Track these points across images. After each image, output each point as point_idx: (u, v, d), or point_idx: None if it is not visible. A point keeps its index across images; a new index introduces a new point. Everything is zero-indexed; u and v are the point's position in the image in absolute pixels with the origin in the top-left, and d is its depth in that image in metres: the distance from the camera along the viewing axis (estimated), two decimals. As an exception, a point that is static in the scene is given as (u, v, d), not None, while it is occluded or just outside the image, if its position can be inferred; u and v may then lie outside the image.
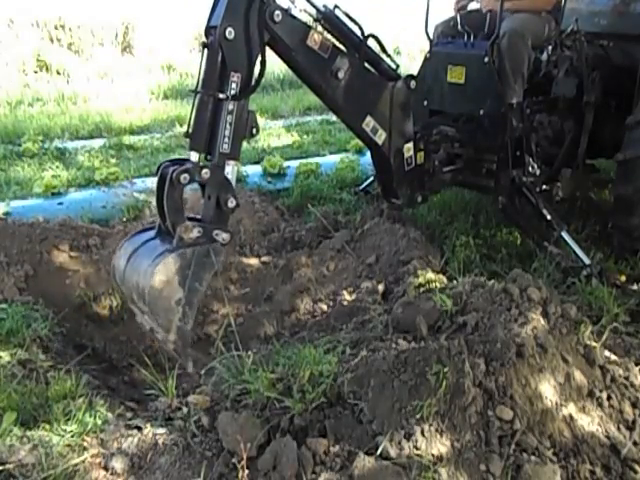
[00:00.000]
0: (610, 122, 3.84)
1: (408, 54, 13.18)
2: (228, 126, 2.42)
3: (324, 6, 2.83)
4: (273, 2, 2.47)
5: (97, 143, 6.43)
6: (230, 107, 2.41)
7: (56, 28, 11.14)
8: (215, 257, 2.42)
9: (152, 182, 4.86)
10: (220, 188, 2.46)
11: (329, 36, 2.86)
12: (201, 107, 2.41)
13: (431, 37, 3.85)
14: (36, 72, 9.70)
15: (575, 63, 3.69)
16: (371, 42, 3.03)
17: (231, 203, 2.49)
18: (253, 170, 5.22)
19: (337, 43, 2.84)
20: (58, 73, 9.76)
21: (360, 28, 2.95)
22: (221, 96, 2.40)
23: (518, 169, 3.66)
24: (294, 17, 2.57)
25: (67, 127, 6.93)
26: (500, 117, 3.52)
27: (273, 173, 5.16)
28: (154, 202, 4.38)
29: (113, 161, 5.75)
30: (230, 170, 2.48)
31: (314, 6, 2.81)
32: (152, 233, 2.52)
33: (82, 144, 6.38)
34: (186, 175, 2.34)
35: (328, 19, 2.85)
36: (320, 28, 2.86)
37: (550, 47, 3.66)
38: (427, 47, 3.86)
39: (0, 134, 6.48)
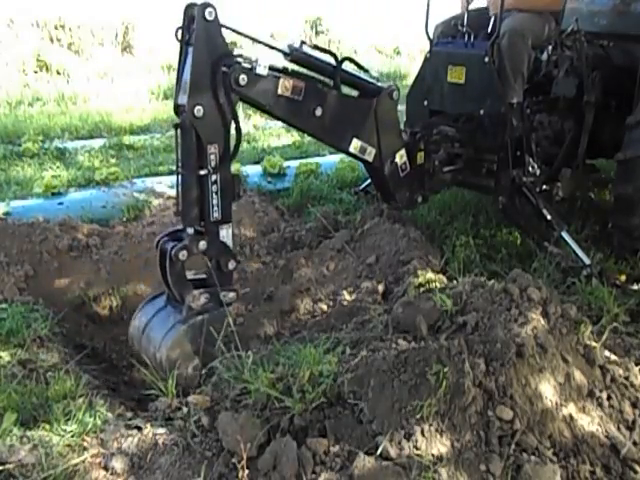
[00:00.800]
0: (610, 122, 3.84)
1: (408, 54, 13.19)
2: (215, 196, 2.46)
3: (289, 46, 2.78)
4: (237, 67, 2.41)
5: (97, 143, 6.43)
6: (214, 178, 2.44)
7: (56, 28, 11.15)
8: (225, 320, 2.46)
9: (152, 182, 4.88)
10: (219, 253, 2.53)
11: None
12: (185, 186, 2.45)
13: (431, 37, 3.85)
14: (36, 72, 9.71)
15: (575, 63, 3.69)
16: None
17: (231, 265, 2.57)
18: (253, 170, 5.22)
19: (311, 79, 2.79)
20: (58, 73, 9.77)
21: (332, 54, 2.93)
22: (202, 173, 2.42)
23: (518, 169, 3.66)
24: (260, 75, 2.50)
25: (67, 127, 6.93)
26: (500, 117, 3.52)
27: (273, 173, 5.16)
28: (154, 202, 4.43)
29: (113, 161, 5.75)
30: (225, 233, 2.54)
31: (281, 51, 2.77)
32: (162, 301, 2.60)
33: (82, 144, 6.38)
34: (184, 252, 2.42)
35: (297, 60, 2.83)
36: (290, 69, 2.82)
37: (550, 47, 3.66)
38: (427, 47, 3.86)
39: (0, 134, 6.48)
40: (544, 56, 3.66)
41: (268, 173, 5.17)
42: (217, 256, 2.53)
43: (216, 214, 2.48)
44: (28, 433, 2.00)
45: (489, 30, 3.62)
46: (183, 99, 2.36)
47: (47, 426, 2.06)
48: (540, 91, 3.77)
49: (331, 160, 5.55)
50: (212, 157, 2.41)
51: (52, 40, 10.99)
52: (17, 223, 3.54)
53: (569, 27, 3.74)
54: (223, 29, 2.40)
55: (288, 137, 7.00)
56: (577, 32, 3.71)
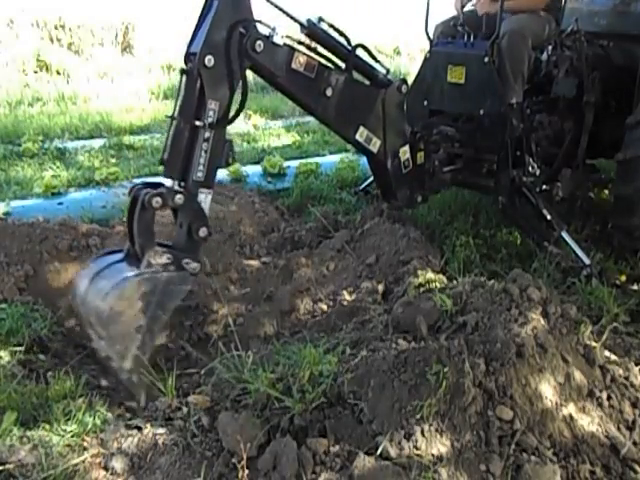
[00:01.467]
0: (610, 122, 3.84)
1: (408, 54, 13.18)
2: (203, 154, 2.39)
3: (308, 20, 2.78)
4: (254, 32, 2.41)
5: (97, 143, 6.43)
6: (207, 135, 2.38)
7: (56, 28, 11.13)
8: (182, 286, 2.36)
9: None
10: (193, 216, 2.42)
11: (313, 53, 2.81)
12: (177, 134, 2.39)
13: (431, 37, 3.85)
14: (36, 72, 9.69)
15: (575, 63, 3.69)
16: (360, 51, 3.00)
17: (203, 232, 2.43)
18: (253, 170, 5.22)
19: (322, 60, 2.79)
20: (58, 73, 9.76)
21: (346, 38, 2.92)
22: (198, 123, 2.37)
23: (518, 169, 3.66)
24: (276, 44, 2.50)
25: (67, 127, 6.92)
26: (500, 117, 3.52)
27: (273, 173, 5.16)
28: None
29: (113, 161, 5.75)
30: (203, 198, 2.44)
31: (298, 22, 2.76)
32: (120, 256, 2.44)
33: (82, 144, 6.37)
34: (159, 199, 2.30)
35: (313, 34, 2.82)
36: (306, 43, 2.80)
37: (550, 47, 3.67)
38: (427, 47, 3.86)
39: (0, 134, 6.47)
40: (544, 56, 3.66)
41: (268, 173, 5.17)
42: (190, 218, 2.41)
43: (200, 174, 2.40)
44: (28, 433, 2.00)
45: (483, 30, 3.62)
46: (197, 47, 2.34)
47: (47, 426, 2.06)
48: (540, 91, 3.77)
49: (331, 160, 5.55)
50: (211, 113, 2.36)
51: (52, 40, 10.97)
52: (17, 223, 3.53)
53: (569, 27, 3.74)
54: None
55: (288, 137, 7.00)
56: (577, 32, 3.72)
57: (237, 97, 2.49)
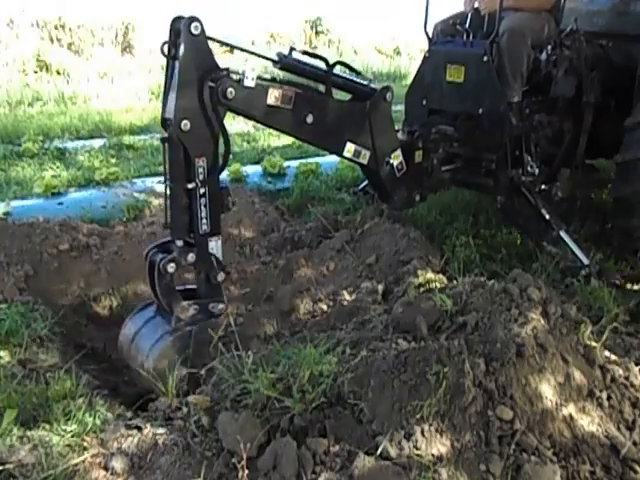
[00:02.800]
0: (609, 122, 3.84)
1: (408, 54, 13.20)
2: (204, 208, 2.46)
3: (278, 54, 2.77)
4: (223, 81, 2.39)
5: (97, 143, 6.44)
6: (202, 191, 2.43)
7: (56, 28, 11.15)
8: (213, 331, 2.46)
9: (152, 182, 4.88)
10: (208, 266, 2.52)
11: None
12: (174, 198, 2.44)
13: (430, 36, 3.85)
14: (36, 72, 9.71)
15: (574, 63, 3.69)
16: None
17: (220, 277, 2.55)
18: (253, 170, 5.22)
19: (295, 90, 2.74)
20: (58, 73, 9.77)
21: (323, 59, 2.91)
22: (190, 186, 2.41)
23: (517, 169, 3.66)
24: (248, 87, 2.48)
25: (67, 127, 6.93)
26: (499, 116, 3.52)
27: (273, 173, 5.16)
28: (154, 202, 4.43)
29: (113, 161, 5.75)
30: (214, 245, 2.53)
31: (270, 60, 2.75)
32: (152, 311, 2.60)
33: (82, 144, 6.38)
34: (173, 264, 2.42)
35: (287, 67, 2.81)
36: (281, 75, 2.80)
37: (549, 47, 3.66)
38: (426, 46, 3.86)
39: (0, 134, 6.48)
40: (543, 56, 3.66)
41: (268, 173, 5.17)
42: (206, 269, 2.52)
43: (205, 227, 2.48)
44: (28, 433, 2.00)
45: (484, 29, 3.62)
46: (170, 113, 2.35)
47: (47, 426, 2.06)
48: (539, 91, 3.76)
49: (331, 160, 5.54)
50: (200, 170, 2.41)
51: (52, 40, 10.99)
52: (17, 223, 3.54)
53: (568, 27, 3.74)
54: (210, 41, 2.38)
55: (288, 137, 6.99)
56: (576, 32, 3.72)
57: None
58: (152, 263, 2.47)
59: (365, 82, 3.11)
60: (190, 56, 2.33)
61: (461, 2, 3.96)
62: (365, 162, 3.08)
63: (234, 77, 2.45)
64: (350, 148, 2.99)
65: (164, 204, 2.51)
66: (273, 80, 2.63)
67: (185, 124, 2.33)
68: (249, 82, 2.47)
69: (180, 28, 2.30)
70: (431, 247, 3.59)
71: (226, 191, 2.57)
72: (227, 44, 2.60)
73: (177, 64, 2.35)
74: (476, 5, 3.85)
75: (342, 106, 2.98)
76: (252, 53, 2.71)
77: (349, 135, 2.97)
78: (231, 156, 2.70)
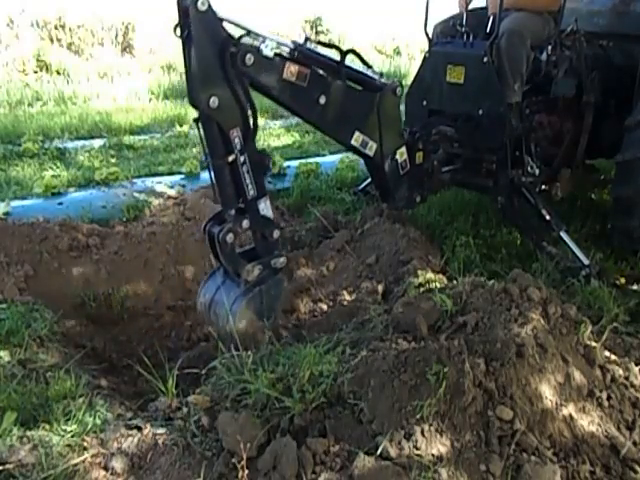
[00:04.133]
0: (609, 122, 3.84)
1: (408, 54, 13.20)
2: (247, 175, 2.53)
3: (293, 42, 2.76)
4: (243, 46, 2.41)
5: (97, 143, 6.44)
6: (242, 159, 2.48)
7: (56, 28, 11.14)
8: (280, 286, 2.70)
9: (152, 182, 4.89)
10: (262, 226, 2.63)
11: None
12: (218, 173, 2.51)
13: (430, 37, 3.85)
14: (36, 72, 9.70)
15: (574, 63, 3.69)
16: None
17: (276, 234, 2.68)
18: (253, 170, 5.21)
19: (311, 69, 2.76)
20: (58, 73, 9.76)
21: (336, 47, 2.92)
22: (231, 159, 2.46)
23: (517, 169, 3.66)
24: (266, 56, 2.50)
25: (67, 127, 6.93)
26: (499, 117, 3.52)
27: (273, 173, 5.16)
28: (154, 202, 4.43)
29: (113, 161, 5.76)
30: (263, 206, 2.63)
31: (284, 45, 2.76)
32: (220, 277, 2.70)
33: (82, 144, 6.38)
34: (231, 235, 2.52)
35: (301, 54, 2.79)
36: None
37: (549, 47, 3.66)
38: (426, 47, 3.86)
39: (0, 134, 6.48)
40: (543, 56, 3.66)
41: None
42: (262, 229, 2.63)
43: (252, 192, 2.55)
44: (28, 433, 2.00)
45: (488, 30, 3.61)
46: (197, 93, 2.36)
47: (47, 426, 2.06)
48: (539, 91, 3.77)
49: (331, 160, 5.55)
50: (236, 141, 2.45)
51: (52, 40, 10.98)
52: (17, 223, 3.54)
53: (568, 27, 3.74)
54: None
55: (288, 137, 7.01)
56: (576, 32, 3.72)
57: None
58: (211, 236, 2.57)
59: (375, 76, 3.12)
60: (203, 33, 2.32)
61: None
62: (371, 154, 3.09)
63: (253, 44, 2.47)
64: (358, 137, 3.01)
65: (210, 180, 2.54)
66: (291, 54, 2.65)
67: (213, 101, 2.34)
68: (267, 51, 2.49)
69: (187, 6, 2.28)
70: (431, 247, 3.59)
71: (265, 153, 2.65)
72: (241, 26, 2.58)
73: (192, 44, 2.33)
74: (472, 6, 3.86)
75: (354, 93, 3.00)
76: (268, 38, 2.69)
77: (358, 124, 2.99)
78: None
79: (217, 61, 2.35)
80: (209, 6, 2.30)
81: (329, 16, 14.87)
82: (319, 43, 2.92)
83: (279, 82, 2.59)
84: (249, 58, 2.42)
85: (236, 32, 2.50)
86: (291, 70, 2.61)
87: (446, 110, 3.79)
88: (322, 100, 2.76)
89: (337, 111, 2.85)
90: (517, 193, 3.67)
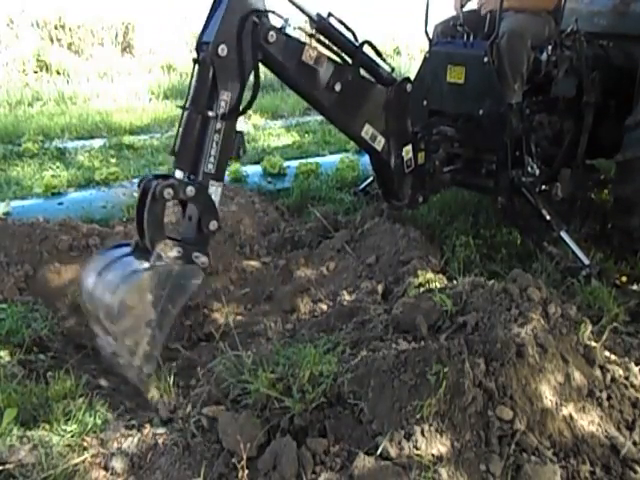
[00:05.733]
0: (610, 122, 3.84)
1: (408, 54, 13.19)
2: (215, 145, 2.36)
3: (318, 15, 2.78)
4: (267, 23, 2.42)
5: (97, 143, 6.43)
6: (218, 126, 2.36)
7: (56, 28, 11.13)
8: (193, 280, 2.33)
9: (152, 182, 4.88)
10: (203, 209, 2.39)
11: (322, 48, 2.82)
12: (188, 124, 2.35)
13: (430, 37, 3.85)
14: (36, 72, 9.69)
15: (575, 63, 3.69)
16: (366, 48, 3.01)
17: (213, 226, 2.40)
18: (253, 170, 5.22)
19: (331, 54, 2.80)
20: (58, 73, 9.75)
21: (354, 34, 2.93)
22: (210, 114, 2.34)
23: (517, 169, 3.66)
24: (288, 36, 2.52)
25: (67, 127, 6.92)
26: (499, 117, 3.52)
27: (273, 173, 5.16)
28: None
29: (113, 161, 5.75)
30: (214, 191, 2.41)
31: (309, 16, 2.76)
32: (128, 249, 2.38)
33: (82, 144, 6.37)
34: (170, 190, 2.25)
35: (323, 29, 2.82)
36: (316, 36, 2.81)
37: (550, 47, 3.66)
38: (427, 47, 3.86)
39: (0, 134, 6.47)
40: (543, 56, 3.66)
41: (268, 173, 5.17)
42: (201, 211, 2.37)
43: (210, 165, 2.36)
44: (28, 433, 2.00)
45: (485, 30, 3.61)
46: (210, 36, 2.33)
47: (47, 426, 2.06)
48: (540, 91, 3.76)
49: (331, 160, 5.55)
50: (222, 104, 2.36)
51: (52, 40, 10.97)
52: (17, 223, 3.53)
53: (569, 27, 3.74)
54: None
55: (288, 137, 7.00)
56: (577, 32, 3.72)
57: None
58: (145, 189, 2.28)
59: (388, 70, 3.12)
60: None
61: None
62: (379, 149, 3.09)
63: (277, 23, 2.47)
64: (368, 130, 3.00)
65: (176, 130, 2.39)
66: (311, 36, 2.67)
67: (222, 49, 2.31)
68: (290, 31, 2.50)
69: None
70: (431, 247, 3.59)
71: (240, 136, 2.49)
72: None
73: None
74: (468, 7, 3.86)
75: (367, 85, 3.00)
76: (295, 5, 2.70)
77: (369, 116, 2.98)
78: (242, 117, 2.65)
79: (241, 21, 2.35)
80: None
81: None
82: (341, 22, 2.90)
83: (297, 63, 2.60)
84: (271, 36, 2.43)
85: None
86: (310, 53, 2.62)
87: (446, 110, 3.79)
88: (337, 87, 2.76)
89: (350, 100, 2.85)
90: (517, 193, 3.67)
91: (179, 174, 2.36)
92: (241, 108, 2.45)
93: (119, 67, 10.31)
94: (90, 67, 10.14)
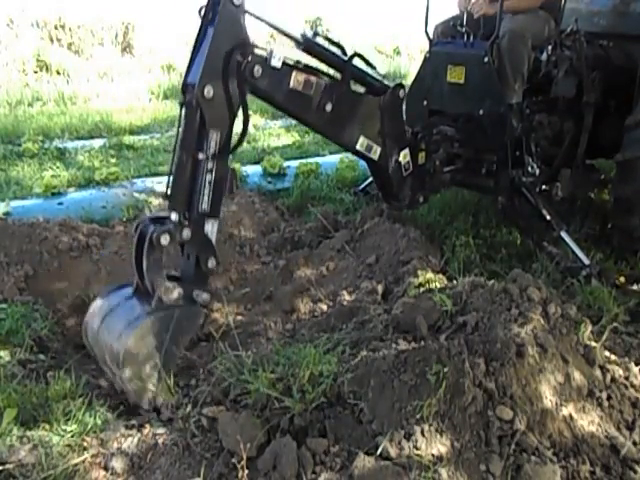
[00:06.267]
0: (610, 122, 3.84)
1: (408, 54, 13.19)
2: (207, 185, 2.36)
3: (302, 35, 2.75)
4: (252, 57, 2.38)
5: (97, 143, 6.43)
6: (209, 166, 2.35)
7: (56, 28, 11.14)
8: (195, 320, 2.38)
9: (152, 182, 4.88)
10: (200, 248, 2.40)
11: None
12: (179, 167, 2.34)
13: (431, 37, 3.85)
14: (36, 72, 9.69)
15: (575, 63, 3.69)
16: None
17: (211, 263, 2.42)
18: (253, 170, 5.22)
19: (317, 77, 2.75)
20: (58, 73, 9.75)
21: (341, 48, 2.91)
22: (200, 156, 2.33)
23: (517, 169, 3.66)
24: (274, 67, 2.48)
25: (67, 127, 6.92)
26: (500, 117, 3.52)
27: (273, 173, 5.16)
28: (154, 202, 4.43)
29: (113, 161, 5.75)
30: (210, 228, 2.43)
31: (294, 39, 2.74)
32: (129, 291, 2.42)
33: (82, 144, 6.37)
34: (167, 236, 2.27)
35: (309, 50, 2.80)
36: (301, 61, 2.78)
37: (550, 47, 3.67)
38: (427, 47, 3.86)
39: (0, 134, 6.47)
40: (544, 56, 3.66)
41: (268, 173, 5.17)
42: (198, 250, 2.39)
43: (205, 205, 2.37)
44: (28, 433, 2.00)
45: (481, 32, 3.61)
46: (194, 78, 2.31)
47: (47, 426, 2.06)
48: (540, 91, 3.77)
49: (331, 160, 5.55)
50: (212, 144, 2.34)
51: (52, 40, 10.98)
52: (17, 223, 3.53)
53: (569, 27, 3.74)
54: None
55: (288, 137, 7.00)
56: (577, 32, 3.71)
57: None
58: (142, 234, 2.31)
59: (379, 78, 3.11)
60: (226, 25, 2.31)
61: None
62: (376, 158, 3.09)
63: (262, 55, 2.44)
64: (363, 142, 3.00)
65: (168, 173, 2.39)
66: (297, 63, 2.62)
67: (208, 90, 2.29)
68: (276, 62, 2.46)
69: None
70: (431, 247, 3.59)
71: (233, 173, 2.51)
72: (262, 20, 2.54)
73: (210, 30, 2.31)
74: (469, 8, 3.86)
75: (359, 99, 2.99)
76: (279, 31, 2.67)
77: (363, 128, 2.98)
78: (231, 156, 2.67)
79: (225, 59, 2.33)
80: (243, 3, 2.30)
81: (329, 16, 14.87)
82: (327, 39, 2.90)
83: (286, 92, 2.58)
84: (257, 70, 2.40)
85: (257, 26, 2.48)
86: (298, 79, 2.59)
87: (447, 110, 3.79)
88: (328, 107, 2.75)
89: (343, 117, 2.85)
90: (517, 193, 3.67)
91: (174, 216, 2.35)
92: (232, 145, 2.46)
93: (119, 67, 10.31)
94: (90, 67, 10.14)
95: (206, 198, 2.37)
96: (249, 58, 2.37)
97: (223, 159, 2.41)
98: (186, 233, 2.34)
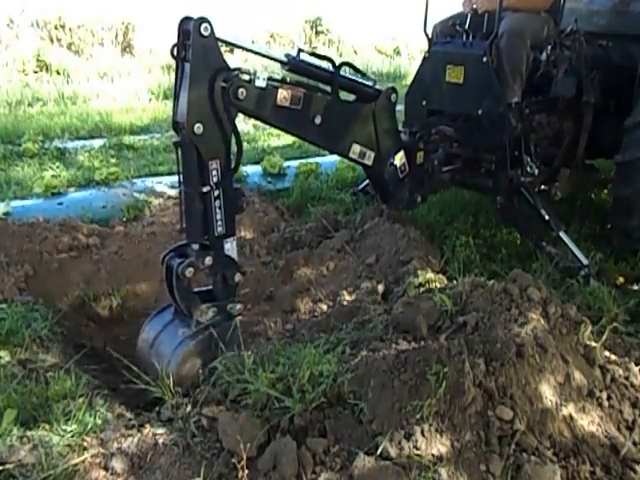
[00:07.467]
0: (609, 122, 3.84)
1: (408, 54, 13.20)
2: (218, 211, 2.46)
3: (286, 55, 2.75)
4: (235, 80, 2.38)
5: (97, 143, 6.43)
6: (216, 193, 2.43)
7: (56, 28, 11.15)
8: (235, 331, 2.52)
9: (152, 182, 4.89)
10: (224, 267, 2.55)
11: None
12: (188, 202, 2.44)
13: (430, 36, 3.85)
14: (36, 72, 9.70)
15: (574, 63, 3.69)
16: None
17: (237, 278, 2.59)
18: (253, 170, 5.22)
19: (305, 91, 2.74)
20: (58, 73, 9.76)
21: (329, 59, 2.91)
22: (205, 189, 2.40)
23: (516, 169, 3.66)
24: (258, 87, 2.47)
25: (67, 127, 6.92)
26: (499, 117, 3.52)
27: (273, 173, 5.16)
28: (154, 202, 4.43)
29: (113, 161, 5.75)
30: (229, 247, 2.55)
31: (277, 60, 2.74)
32: (170, 314, 2.61)
33: (82, 144, 6.37)
34: (191, 269, 2.42)
35: (295, 68, 2.80)
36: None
37: (549, 47, 3.66)
38: (426, 47, 3.86)
39: (0, 134, 6.48)
40: (543, 56, 3.66)
41: (268, 173, 5.18)
42: (223, 270, 2.54)
43: (220, 229, 2.48)
44: (28, 433, 2.01)
45: (484, 30, 3.61)
46: (182, 117, 2.33)
47: (47, 426, 2.06)
48: (539, 91, 3.76)
49: (331, 160, 5.55)
50: (214, 172, 2.40)
51: (52, 40, 10.99)
52: (17, 223, 3.54)
53: (568, 27, 3.74)
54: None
55: (288, 137, 6.99)
56: (576, 32, 3.72)
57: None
58: (169, 268, 2.47)
59: (370, 83, 3.11)
60: (200, 58, 2.31)
61: (460, 3, 3.96)
62: (370, 163, 3.09)
63: (245, 77, 2.44)
64: (356, 149, 3.00)
65: (179, 209, 2.51)
66: (283, 80, 2.63)
67: (198, 127, 2.32)
68: (260, 82, 2.47)
69: (189, 29, 2.28)
70: (431, 247, 3.59)
71: (240, 192, 2.59)
72: (236, 45, 2.57)
73: (187, 66, 2.33)
74: (474, 5, 3.85)
75: (349, 107, 2.99)
76: (261, 54, 2.69)
77: (355, 136, 2.98)
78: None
79: (208, 90, 2.34)
80: (212, 32, 2.29)
81: (329, 16, 14.87)
82: (312, 54, 2.90)
83: (273, 109, 2.58)
84: (242, 93, 2.40)
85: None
86: (284, 95, 2.58)
87: (446, 110, 3.79)
88: (317, 120, 2.75)
89: (333, 127, 2.85)
90: (516, 193, 3.67)
91: (195, 246, 2.50)
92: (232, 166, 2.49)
93: (119, 67, 10.31)
94: (90, 67, 10.15)
95: (220, 222, 2.48)
96: (232, 81, 2.37)
97: (227, 183, 2.47)
98: (208, 260, 2.48)
